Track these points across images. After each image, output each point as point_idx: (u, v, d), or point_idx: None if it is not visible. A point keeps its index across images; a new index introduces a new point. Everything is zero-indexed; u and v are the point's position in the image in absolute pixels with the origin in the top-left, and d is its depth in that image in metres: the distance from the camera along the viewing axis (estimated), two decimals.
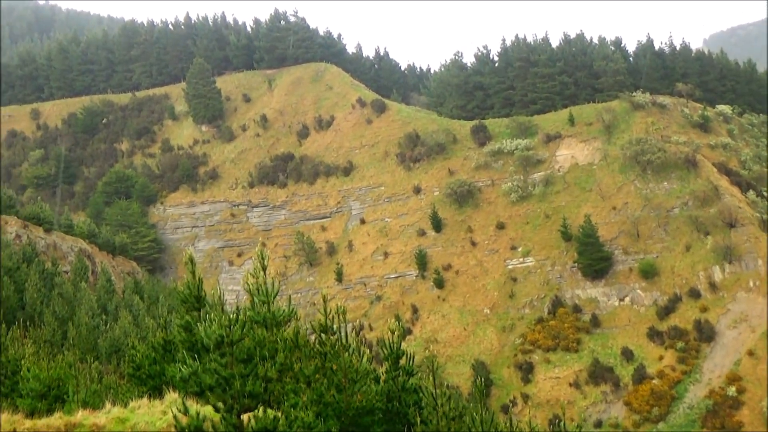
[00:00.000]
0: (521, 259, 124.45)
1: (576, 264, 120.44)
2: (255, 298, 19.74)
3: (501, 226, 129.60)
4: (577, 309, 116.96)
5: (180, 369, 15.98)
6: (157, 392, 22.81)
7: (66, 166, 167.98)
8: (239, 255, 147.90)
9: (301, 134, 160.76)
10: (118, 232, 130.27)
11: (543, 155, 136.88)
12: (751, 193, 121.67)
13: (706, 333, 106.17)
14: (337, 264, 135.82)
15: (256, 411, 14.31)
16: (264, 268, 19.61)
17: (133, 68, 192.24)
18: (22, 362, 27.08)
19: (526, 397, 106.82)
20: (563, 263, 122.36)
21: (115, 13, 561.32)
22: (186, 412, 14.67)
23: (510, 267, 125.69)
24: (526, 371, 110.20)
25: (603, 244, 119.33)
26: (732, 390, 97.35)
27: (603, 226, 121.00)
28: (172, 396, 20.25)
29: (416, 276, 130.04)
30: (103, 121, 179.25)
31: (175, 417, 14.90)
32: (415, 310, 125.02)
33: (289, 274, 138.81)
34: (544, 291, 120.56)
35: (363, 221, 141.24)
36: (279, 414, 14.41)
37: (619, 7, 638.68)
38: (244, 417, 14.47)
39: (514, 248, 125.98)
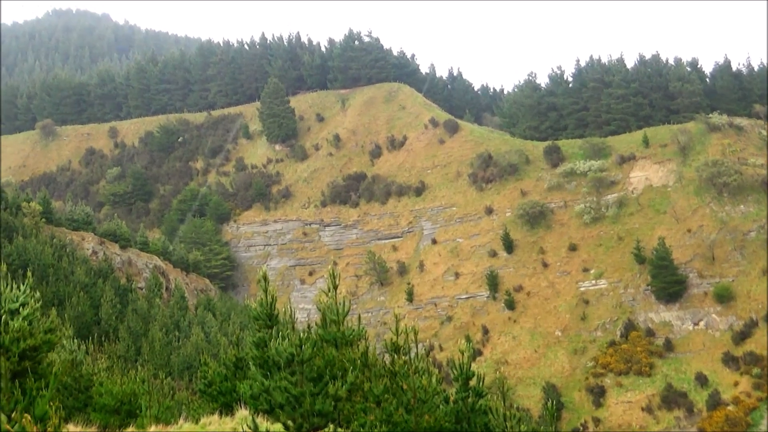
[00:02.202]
0: (593, 282, 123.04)
1: (649, 287, 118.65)
2: (326, 317, 20.00)
3: (573, 248, 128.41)
4: (650, 333, 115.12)
5: (251, 386, 16.15)
6: (228, 409, 23.00)
7: (142, 184, 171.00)
8: (311, 274, 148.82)
9: (373, 154, 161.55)
10: (191, 250, 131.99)
11: (616, 177, 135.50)
12: None
13: None
14: (408, 284, 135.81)
15: (325, 430, 14.40)
16: (335, 287, 19.96)
17: (209, 87, 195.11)
18: (96, 377, 27.44)
19: (597, 421, 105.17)
20: (636, 286, 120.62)
21: (192, 33, 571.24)
22: (256, 429, 14.66)
23: (582, 289, 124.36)
24: (598, 395, 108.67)
25: (677, 267, 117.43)
26: None
27: (677, 249, 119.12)
28: (242, 413, 20.37)
29: (487, 297, 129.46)
30: (179, 140, 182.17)
31: None
32: (485, 331, 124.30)
33: (360, 294, 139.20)
34: (617, 314, 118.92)
35: (434, 241, 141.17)
36: None
37: (696, 29, 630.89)
38: None
39: (586, 270, 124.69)
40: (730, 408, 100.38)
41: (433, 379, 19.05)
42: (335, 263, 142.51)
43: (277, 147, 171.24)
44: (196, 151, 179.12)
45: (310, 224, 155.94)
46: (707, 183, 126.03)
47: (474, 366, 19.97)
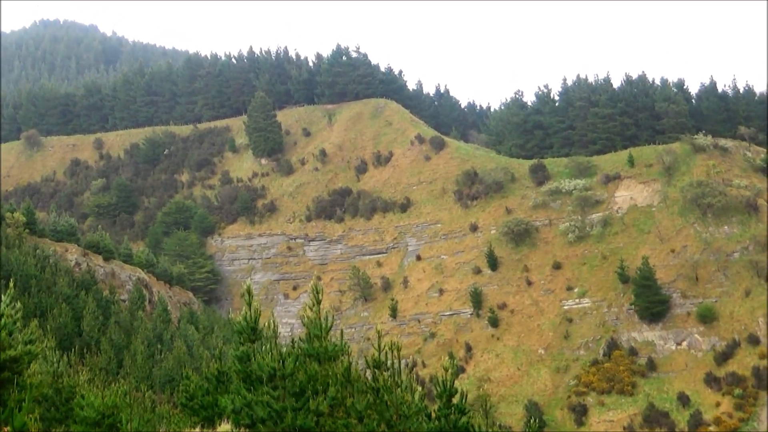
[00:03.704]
0: (577, 300, 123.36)
1: (633, 306, 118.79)
2: (309, 332, 19.96)
3: (557, 266, 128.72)
4: (633, 352, 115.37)
5: (233, 400, 16.16)
6: (209, 423, 22.87)
7: (127, 196, 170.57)
8: (295, 288, 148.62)
9: (359, 169, 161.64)
10: (175, 263, 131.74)
11: (602, 196, 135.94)
12: None
13: (765, 380, 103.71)
14: (392, 300, 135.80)
15: None
16: (318, 302, 19.94)
17: (196, 100, 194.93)
18: (77, 389, 27.28)
19: None
20: (620, 305, 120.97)
21: (179, 45, 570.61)
22: None
23: (566, 307, 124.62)
24: (580, 413, 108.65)
25: (661, 287, 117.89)
26: None
27: (661, 269, 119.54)
28: (224, 427, 19.95)
29: (471, 314, 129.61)
30: (165, 152, 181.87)
31: None
32: (468, 348, 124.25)
33: (344, 309, 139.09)
34: (600, 333, 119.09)
35: (419, 258, 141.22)
36: None
37: (682, 50, 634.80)
38: None
39: (570, 289, 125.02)
40: (711, 428, 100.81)
41: (416, 396, 19.09)
42: (319, 278, 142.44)
43: (263, 161, 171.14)
44: (182, 164, 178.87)
45: (294, 239, 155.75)
46: (691, 203, 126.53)
47: (457, 383, 19.83)
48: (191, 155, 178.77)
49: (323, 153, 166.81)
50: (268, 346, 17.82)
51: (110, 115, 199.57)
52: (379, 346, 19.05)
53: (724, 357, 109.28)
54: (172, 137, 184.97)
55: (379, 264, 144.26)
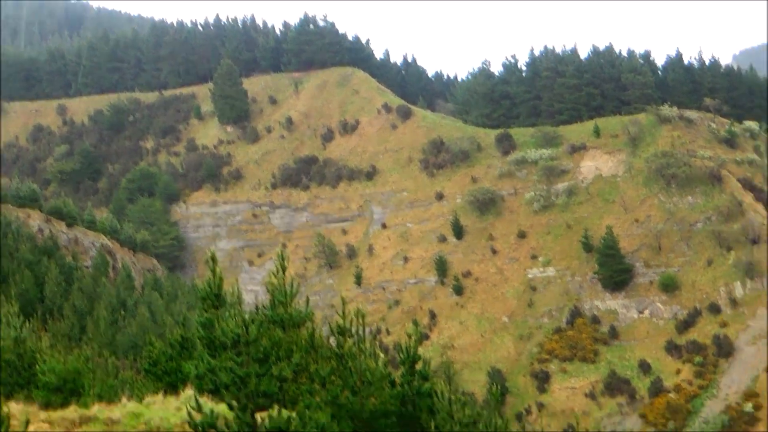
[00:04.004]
0: (541, 269, 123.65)
1: (596, 275, 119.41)
2: (274, 299, 20.05)
3: (522, 235, 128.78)
4: (595, 320, 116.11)
5: (196, 366, 16.14)
6: (172, 389, 22.67)
7: (90, 163, 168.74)
8: (259, 255, 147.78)
9: (325, 137, 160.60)
10: (139, 229, 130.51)
11: (567, 166, 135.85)
12: None
13: (724, 348, 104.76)
14: (357, 267, 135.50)
15: (270, 410, 14.22)
16: (283, 269, 19.86)
17: (161, 67, 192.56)
18: (39, 355, 26.87)
19: (541, 406, 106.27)
20: (583, 274, 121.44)
21: (145, 12, 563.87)
22: (200, 409, 14.68)
23: (530, 276, 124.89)
24: (542, 380, 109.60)
25: (624, 257, 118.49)
26: (749, 406, 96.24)
27: (625, 239, 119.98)
28: (187, 393, 19.85)
29: (435, 282, 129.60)
30: (130, 119, 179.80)
31: (189, 413, 14.87)
32: (432, 316, 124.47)
33: (309, 276, 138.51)
34: (564, 301, 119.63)
35: (384, 226, 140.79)
36: (293, 414, 14.35)
37: (648, 22, 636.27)
38: (258, 416, 14.38)
39: (534, 257, 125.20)
40: (671, 395, 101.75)
41: (380, 363, 19.24)
42: (284, 245, 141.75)
43: (229, 128, 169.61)
44: (147, 131, 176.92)
45: (259, 206, 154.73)
46: (656, 174, 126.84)
47: (420, 350, 19.99)
48: (156, 122, 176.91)
49: (289, 121, 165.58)
50: (232, 312, 17.67)
51: (74, 81, 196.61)
52: (343, 313, 19.02)
53: (685, 325, 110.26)
54: (137, 104, 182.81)
55: (344, 232, 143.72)
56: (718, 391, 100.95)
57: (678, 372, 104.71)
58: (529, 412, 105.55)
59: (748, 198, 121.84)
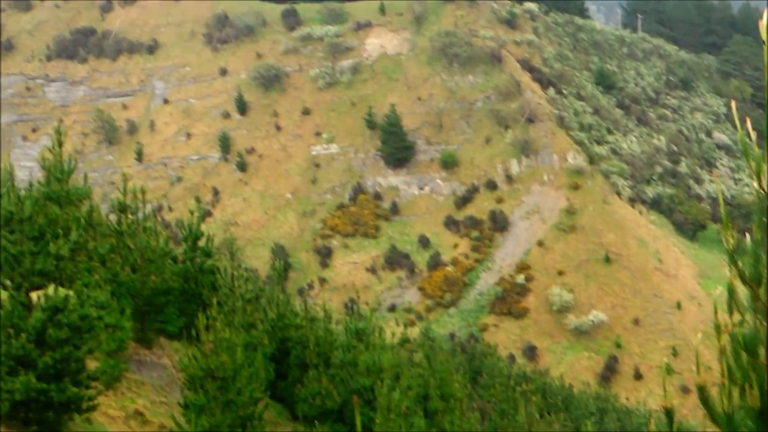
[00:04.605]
0: (325, 146, 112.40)
1: (379, 152, 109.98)
2: (50, 175, 17.92)
3: (306, 112, 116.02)
4: (377, 196, 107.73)
5: None
6: None
7: None
8: (34, 130, 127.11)
9: (104, 8, 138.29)
10: None
11: (352, 43, 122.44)
12: (551, 90, 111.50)
13: (500, 223, 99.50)
14: (138, 144, 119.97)
15: (46, 289, 12.45)
16: (60, 145, 17.98)
17: None
18: None
19: (323, 281, 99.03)
20: (367, 151, 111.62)
21: None
22: None
23: (314, 153, 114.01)
24: (325, 255, 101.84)
25: (406, 134, 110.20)
26: (521, 278, 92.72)
27: (407, 116, 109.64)
28: None
29: (219, 158, 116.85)
30: None
31: None
32: (216, 193, 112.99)
33: (87, 153, 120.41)
34: (347, 178, 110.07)
35: (166, 101, 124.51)
36: (71, 293, 12.38)
37: None
38: (34, 295, 12.55)
39: (318, 134, 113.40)
40: (449, 269, 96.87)
41: (161, 240, 17.14)
42: (61, 120, 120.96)
43: None
44: None
45: (33, 79, 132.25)
46: (439, 53, 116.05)
47: (203, 226, 18.28)
48: None
49: None
50: (4, 189, 15.40)
51: None
52: (123, 189, 17.02)
53: (463, 201, 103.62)
54: None
55: (124, 107, 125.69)
56: (492, 264, 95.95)
57: (456, 246, 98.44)
58: (311, 286, 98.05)
59: (525, 78, 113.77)
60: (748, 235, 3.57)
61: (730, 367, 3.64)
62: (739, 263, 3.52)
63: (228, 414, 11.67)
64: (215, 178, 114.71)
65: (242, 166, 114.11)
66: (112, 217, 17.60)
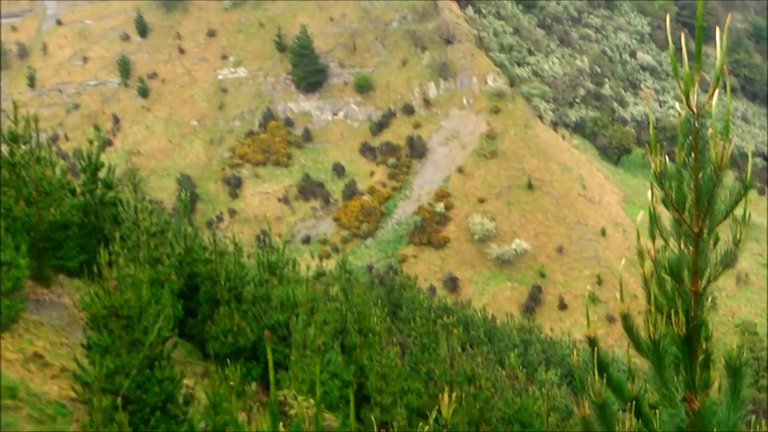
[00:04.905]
0: (233, 70, 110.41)
1: (290, 76, 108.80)
2: None
3: (212, 34, 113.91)
4: (289, 123, 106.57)
5: None
6: None
7: None
8: None
9: None
10: None
11: None
12: (470, 9, 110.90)
13: (418, 149, 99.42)
14: (30, 68, 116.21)
15: None
16: None
17: None
18: None
19: (233, 213, 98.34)
20: (277, 75, 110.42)
21: None
22: None
23: (220, 77, 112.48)
24: (234, 186, 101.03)
25: (318, 57, 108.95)
26: (440, 206, 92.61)
27: (319, 38, 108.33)
28: None
29: (118, 84, 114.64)
30: None
31: None
32: (116, 120, 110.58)
33: None
34: (256, 103, 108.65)
35: (59, 22, 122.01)
36: None
37: None
38: None
39: (225, 58, 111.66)
40: (365, 198, 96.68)
41: (58, 171, 16.77)
42: None
43: None
44: None
45: None
46: None
47: (103, 156, 17.65)
48: None
49: None
50: None
51: None
52: (15, 117, 16.00)
53: (379, 127, 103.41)
54: None
55: (13, 29, 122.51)
56: (411, 193, 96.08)
57: (372, 174, 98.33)
58: (221, 218, 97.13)
59: None
60: (669, 159, 3.57)
61: (654, 294, 3.66)
62: (666, 186, 3.51)
63: (134, 354, 11.46)
64: (115, 105, 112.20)
65: (144, 92, 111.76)
66: (4, 148, 16.62)
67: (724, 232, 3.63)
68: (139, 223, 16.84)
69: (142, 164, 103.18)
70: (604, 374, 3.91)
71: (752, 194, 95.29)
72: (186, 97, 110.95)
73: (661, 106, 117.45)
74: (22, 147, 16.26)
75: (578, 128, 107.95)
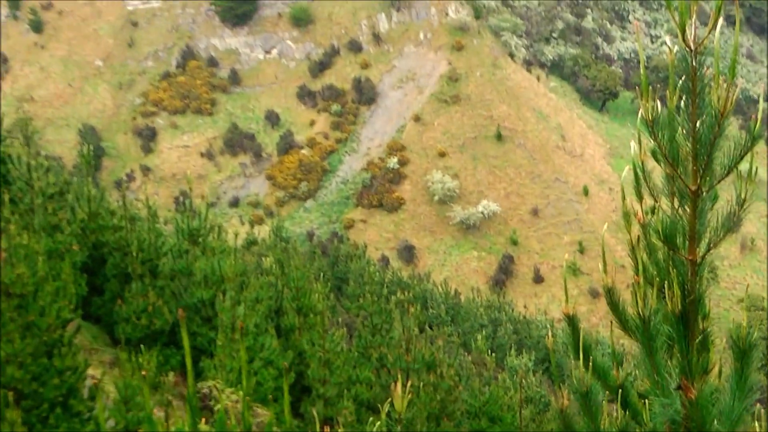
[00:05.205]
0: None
1: (212, 7, 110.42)
2: None
3: None
4: (212, 62, 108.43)
5: None
6: None
7: None
8: None
9: None
10: None
11: None
12: None
13: (366, 94, 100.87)
14: None
15: None
16: None
17: None
18: None
19: (146, 170, 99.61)
20: (197, 6, 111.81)
21: None
22: None
23: (130, 8, 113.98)
24: (148, 138, 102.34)
25: None
26: (393, 161, 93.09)
27: None
28: None
29: (6, 16, 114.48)
30: None
31: None
32: (4, 61, 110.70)
33: None
34: (173, 39, 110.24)
35: None
36: None
37: None
38: None
39: None
40: (304, 152, 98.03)
41: None
42: None
43: None
44: None
45: None
46: None
47: None
48: None
49: None
50: None
51: None
52: None
53: (320, 67, 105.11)
54: None
55: None
56: (358, 146, 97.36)
57: (312, 123, 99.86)
58: (132, 177, 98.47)
59: None
60: (662, 104, 3.57)
61: (644, 264, 3.68)
62: (659, 136, 3.52)
63: (29, 339, 11.51)
64: (2, 41, 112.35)
65: (37, 26, 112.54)
66: None
67: (726, 191, 3.65)
68: (33, 183, 16.82)
69: (36, 113, 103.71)
70: (589, 359, 3.93)
71: (759, 146, 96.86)
72: (89, 32, 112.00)
73: (652, 42, 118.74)
74: None
75: (556, 68, 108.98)
